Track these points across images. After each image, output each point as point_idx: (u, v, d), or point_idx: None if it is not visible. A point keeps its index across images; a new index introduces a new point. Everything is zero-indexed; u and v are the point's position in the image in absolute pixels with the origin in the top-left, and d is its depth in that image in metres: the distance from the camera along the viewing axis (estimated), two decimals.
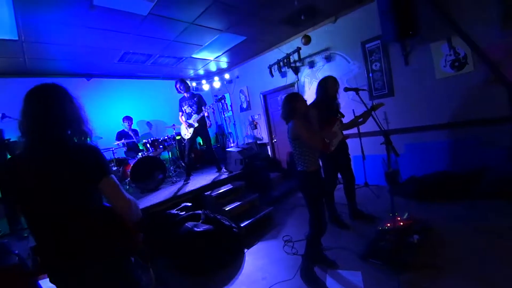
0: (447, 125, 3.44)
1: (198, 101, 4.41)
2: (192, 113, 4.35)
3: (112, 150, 4.37)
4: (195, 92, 4.73)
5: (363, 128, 4.01)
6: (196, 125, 4.30)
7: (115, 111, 5.33)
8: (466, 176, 3.07)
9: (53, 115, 1.06)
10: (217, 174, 4.51)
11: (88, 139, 1.17)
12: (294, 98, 2.16)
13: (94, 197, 1.08)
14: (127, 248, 1.17)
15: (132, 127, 5.11)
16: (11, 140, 3.38)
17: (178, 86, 4.39)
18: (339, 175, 3.18)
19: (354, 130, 3.98)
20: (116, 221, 1.14)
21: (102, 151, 1.15)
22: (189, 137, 4.37)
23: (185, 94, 4.44)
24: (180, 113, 4.50)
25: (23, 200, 1.05)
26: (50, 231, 1.05)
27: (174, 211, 3.22)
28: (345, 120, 2.96)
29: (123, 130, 4.98)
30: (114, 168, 4.31)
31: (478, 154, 3.11)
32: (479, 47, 2.98)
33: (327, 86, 2.90)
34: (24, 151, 1.06)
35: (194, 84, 6.97)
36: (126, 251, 1.16)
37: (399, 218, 2.42)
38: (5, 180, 1.05)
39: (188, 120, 4.35)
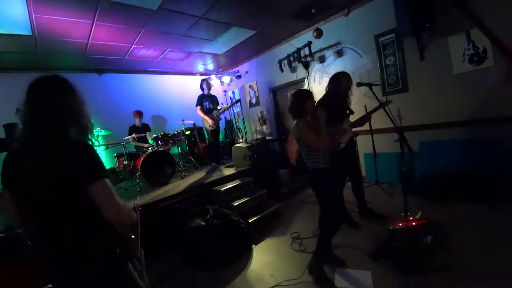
0: (465, 123, 3.30)
1: (215, 100, 5.18)
2: (211, 108, 5.04)
3: (123, 144, 4.43)
4: (211, 93, 5.29)
5: (375, 125, 3.92)
6: (220, 119, 5.08)
7: (126, 105, 5.39)
8: (485, 177, 2.92)
9: (52, 108, 1.01)
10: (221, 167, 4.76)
11: (87, 135, 1.11)
12: (304, 95, 2.10)
13: (87, 198, 0.98)
14: (122, 252, 1.11)
15: (143, 122, 5.16)
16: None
17: (204, 85, 5.07)
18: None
19: (366, 127, 3.90)
20: (110, 225, 1.07)
21: (98, 151, 1.09)
22: (213, 128, 5.00)
23: (206, 93, 5.09)
24: (199, 107, 5.02)
25: (17, 197, 1.01)
26: (42, 232, 1.01)
27: (183, 206, 3.25)
28: (355, 117, 2.90)
29: (134, 124, 5.04)
30: (125, 162, 4.38)
31: (499, 154, 2.95)
32: (500, 40, 2.83)
33: (340, 82, 2.82)
34: (21, 145, 1.03)
35: None
36: (121, 255, 1.10)
37: (411, 218, 2.35)
38: (3, 174, 1.02)
39: (216, 113, 4.99)
